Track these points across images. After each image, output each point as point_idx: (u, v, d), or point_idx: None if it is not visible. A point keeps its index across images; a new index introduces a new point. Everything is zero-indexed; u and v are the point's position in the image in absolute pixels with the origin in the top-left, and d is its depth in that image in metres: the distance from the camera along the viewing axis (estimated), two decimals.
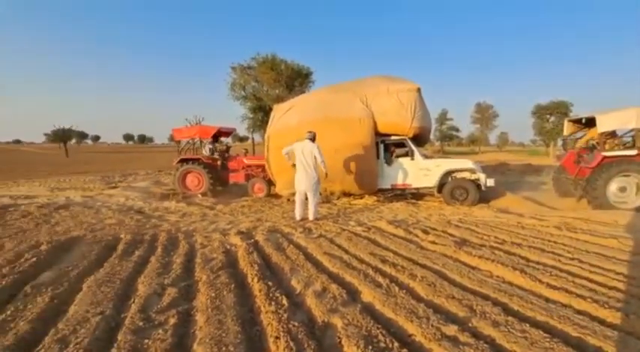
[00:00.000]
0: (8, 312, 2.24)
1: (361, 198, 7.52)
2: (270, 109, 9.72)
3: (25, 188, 10.23)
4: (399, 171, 7.17)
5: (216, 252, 3.58)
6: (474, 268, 3.04)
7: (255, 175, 8.64)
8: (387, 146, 7.29)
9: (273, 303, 2.29)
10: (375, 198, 7.57)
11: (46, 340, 1.90)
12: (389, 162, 7.18)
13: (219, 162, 9.07)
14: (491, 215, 5.74)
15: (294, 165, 5.52)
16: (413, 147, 7.06)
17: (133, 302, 2.43)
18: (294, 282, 2.74)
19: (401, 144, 7.23)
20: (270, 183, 8.25)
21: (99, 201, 7.44)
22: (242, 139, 54.74)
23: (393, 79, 7.43)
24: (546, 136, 39.80)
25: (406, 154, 7.16)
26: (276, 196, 8.15)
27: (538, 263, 3.10)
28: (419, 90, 6.94)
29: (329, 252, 3.55)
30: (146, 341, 1.88)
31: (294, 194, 6.03)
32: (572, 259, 3.14)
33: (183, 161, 8.74)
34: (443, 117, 56.33)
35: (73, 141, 74.97)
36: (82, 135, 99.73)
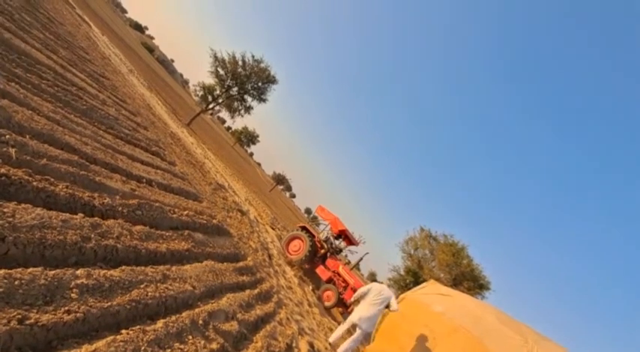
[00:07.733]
0: None
1: None
2: (423, 281, 9.32)
3: None
4: None
5: (281, 341, 3.45)
6: None
7: (336, 285, 9.03)
8: None
9: None
10: None
11: None
12: None
13: (323, 251, 9.62)
14: None
15: (357, 302, 5.33)
16: None
17: None
18: None
19: None
20: (341, 299, 8.60)
21: None
22: (375, 278, 52.78)
23: None
24: None
25: None
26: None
27: None
28: None
29: None
30: None
31: None
32: None
33: (303, 228, 9.76)
34: None
35: None
36: None
